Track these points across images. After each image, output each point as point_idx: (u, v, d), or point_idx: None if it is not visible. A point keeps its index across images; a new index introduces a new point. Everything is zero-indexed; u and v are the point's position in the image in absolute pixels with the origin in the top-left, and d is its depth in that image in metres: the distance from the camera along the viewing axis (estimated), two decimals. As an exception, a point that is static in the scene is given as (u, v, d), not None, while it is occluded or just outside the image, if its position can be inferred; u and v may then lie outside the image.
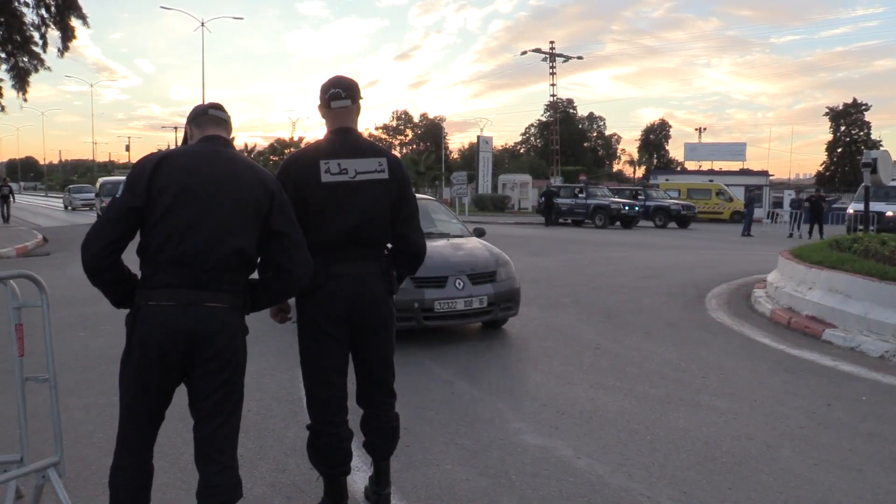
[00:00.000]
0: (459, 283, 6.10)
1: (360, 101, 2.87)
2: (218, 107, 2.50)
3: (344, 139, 2.79)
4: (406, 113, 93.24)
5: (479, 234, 7.44)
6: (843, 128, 68.27)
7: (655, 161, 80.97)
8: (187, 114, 2.56)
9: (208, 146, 2.38)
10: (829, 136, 69.26)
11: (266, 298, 2.48)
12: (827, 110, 69.57)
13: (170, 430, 2.47)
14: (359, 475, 3.37)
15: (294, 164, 2.77)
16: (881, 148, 55.56)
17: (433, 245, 5.75)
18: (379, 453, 3.03)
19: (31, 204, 48.59)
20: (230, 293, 2.32)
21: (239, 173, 2.32)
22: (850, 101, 68.53)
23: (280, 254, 2.39)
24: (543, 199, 28.52)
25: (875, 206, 16.75)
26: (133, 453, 2.35)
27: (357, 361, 2.94)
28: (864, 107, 67.91)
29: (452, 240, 7.06)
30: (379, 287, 2.83)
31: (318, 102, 2.86)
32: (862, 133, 67.40)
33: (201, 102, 2.59)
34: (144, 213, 2.25)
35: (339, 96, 2.79)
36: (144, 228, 2.27)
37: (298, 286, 2.48)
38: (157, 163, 2.27)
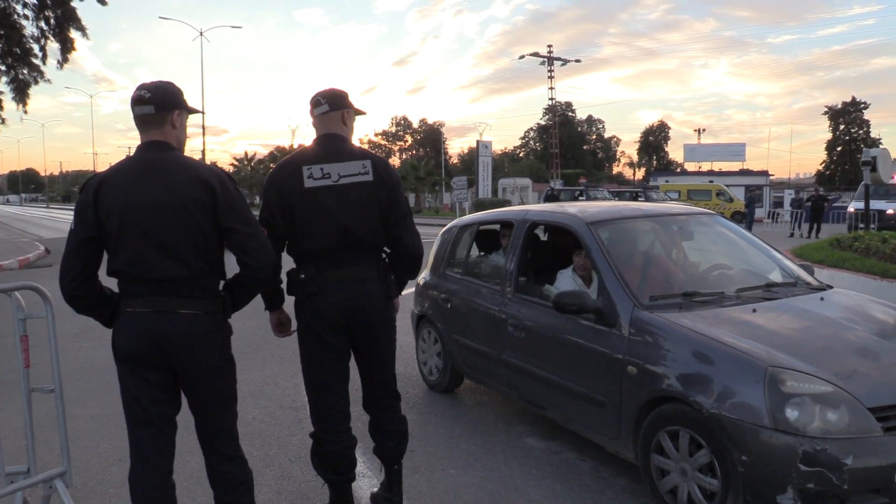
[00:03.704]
0: None
1: (348, 109, 2.88)
2: (141, 99, 2.30)
3: (327, 144, 2.81)
4: (405, 119, 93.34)
5: (811, 272, 4.43)
6: (842, 126, 68.29)
7: (655, 163, 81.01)
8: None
9: (143, 157, 2.31)
10: (829, 135, 69.35)
11: (241, 296, 2.47)
12: (826, 109, 69.69)
13: (176, 438, 2.47)
14: (364, 481, 3.38)
15: (278, 172, 2.80)
16: (881, 146, 55.65)
17: (828, 317, 3.42)
18: (389, 457, 3.04)
19: (36, 216, 48.63)
20: (203, 298, 2.33)
21: (175, 179, 2.28)
22: (848, 99, 68.65)
23: (234, 249, 2.38)
24: (545, 202, 28.63)
25: (875, 204, 16.74)
26: (149, 465, 2.35)
27: (358, 367, 2.95)
28: (862, 105, 67.99)
29: (827, 297, 3.84)
30: (375, 291, 2.82)
31: None
32: (861, 131, 67.40)
33: (142, 83, 2.36)
34: (102, 240, 2.28)
35: (319, 103, 2.84)
36: (108, 253, 2.31)
37: (262, 276, 2.42)
38: (98, 188, 2.26)
